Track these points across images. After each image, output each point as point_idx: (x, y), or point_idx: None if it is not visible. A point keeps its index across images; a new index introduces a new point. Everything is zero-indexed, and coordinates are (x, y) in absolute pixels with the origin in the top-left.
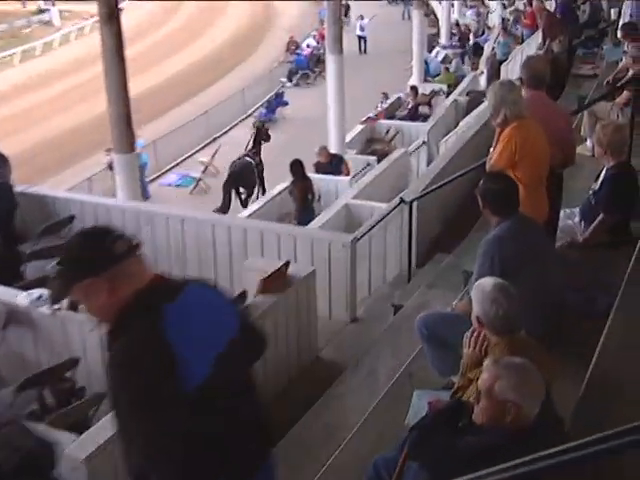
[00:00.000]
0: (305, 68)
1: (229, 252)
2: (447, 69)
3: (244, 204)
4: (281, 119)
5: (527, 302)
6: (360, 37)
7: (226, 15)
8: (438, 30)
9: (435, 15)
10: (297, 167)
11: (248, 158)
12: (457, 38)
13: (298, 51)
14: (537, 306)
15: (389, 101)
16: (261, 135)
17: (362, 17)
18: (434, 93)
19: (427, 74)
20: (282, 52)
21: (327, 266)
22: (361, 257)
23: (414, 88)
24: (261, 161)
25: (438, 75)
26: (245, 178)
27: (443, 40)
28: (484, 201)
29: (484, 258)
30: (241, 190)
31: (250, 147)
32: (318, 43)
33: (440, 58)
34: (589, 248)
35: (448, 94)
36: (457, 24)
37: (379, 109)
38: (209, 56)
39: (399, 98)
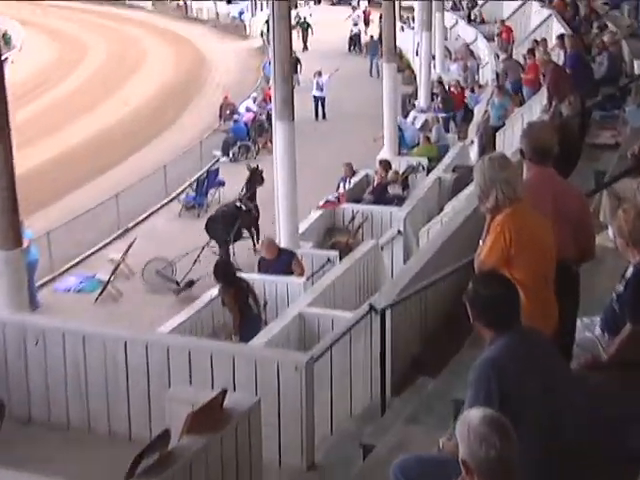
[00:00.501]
0: (245, 138)
1: (147, 378)
2: (427, 138)
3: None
4: (215, 205)
5: (531, 446)
6: (317, 98)
7: (145, 68)
8: (415, 89)
9: (412, 70)
10: (223, 269)
11: (239, 204)
12: (439, 99)
13: (235, 116)
14: (546, 452)
15: (354, 179)
16: (256, 178)
17: (320, 74)
18: (411, 169)
19: (402, 145)
20: (216, 117)
21: (276, 395)
22: (320, 382)
23: (385, 163)
24: (257, 207)
25: (416, 146)
26: (222, 226)
27: (422, 102)
28: (474, 311)
29: (477, 386)
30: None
31: (244, 192)
32: (262, 105)
33: (418, 125)
34: (616, 368)
35: (429, 170)
36: (439, 81)
37: (341, 190)
38: (122, 122)
39: (367, 175)
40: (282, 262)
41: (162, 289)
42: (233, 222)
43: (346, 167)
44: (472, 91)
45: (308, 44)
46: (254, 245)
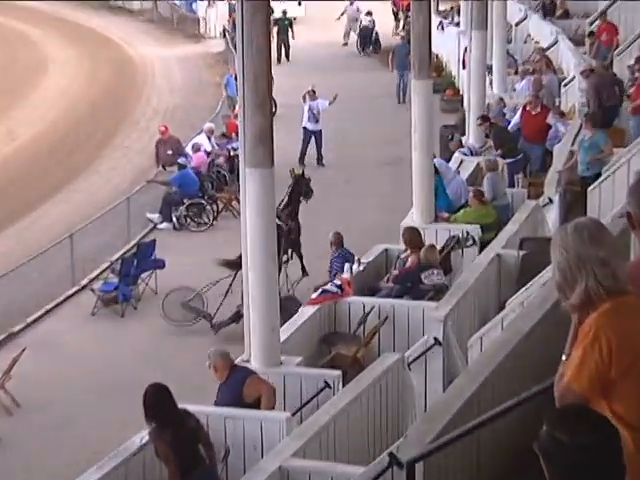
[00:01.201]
0: (196, 193)
1: None
2: (480, 195)
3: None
4: (150, 297)
5: None
6: (309, 133)
7: (43, 84)
8: (462, 118)
9: (456, 89)
10: (154, 397)
11: (277, 221)
12: (496, 134)
13: (182, 160)
14: None
15: (368, 258)
16: (300, 188)
17: (313, 94)
18: (455, 243)
19: (441, 205)
20: (151, 161)
21: None
22: None
23: (413, 234)
24: (299, 226)
25: (463, 207)
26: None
27: (471, 137)
28: (551, 468)
29: None
30: None
31: (284, 204)
32: (223, 143)
33: (466, 173)
34: None
35: (483, 245)
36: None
37: (345, 274)
38: (5, 165)
39: (386, 252)
40: (232, 386)
41: (186, 324)
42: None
43: (334, 237)
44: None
45: (289, 52)
46: (301, 262)
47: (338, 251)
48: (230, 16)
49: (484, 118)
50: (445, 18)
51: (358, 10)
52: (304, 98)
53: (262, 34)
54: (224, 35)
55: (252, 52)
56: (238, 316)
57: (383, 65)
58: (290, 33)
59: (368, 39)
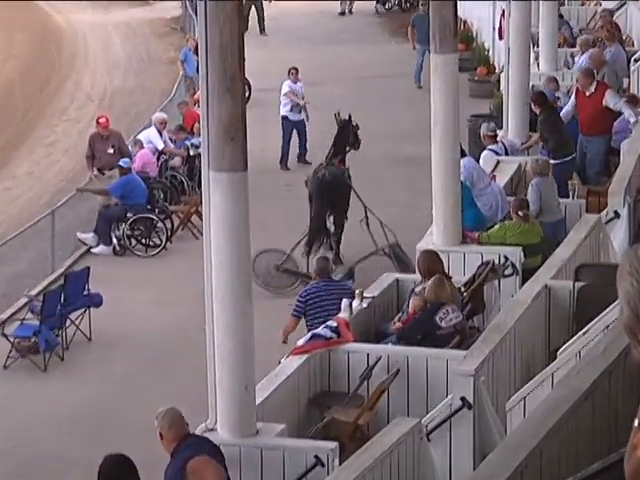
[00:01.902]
0: (143, 206)
1: None
2: (523, 207)
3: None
4: (81, 346)
5: None
6: (291, 124)
7: None
8: (498, 105)
9: (490, 67)
10: (109, 469)
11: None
12: (545, 126)
13: (124, 162)
14: None
15: (371, 294)
16: (347, 136)
17: (295, 72)
18: (489, 271)
19: (468, 219)
20: (82, 162)
21: None
22: None
23: (431, 259)
24: (349, 178)
25: (501, 222)
26: (340, 196)
27: (510, 132)
28: None
29: None
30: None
31: (330, 154)
32: (180, 138)
33: (503, 179)
34: None
35: (526, 275)
36: (551, 87)
37: (343, 313)
38: None
39: (397, 284)
40: (176, 464)
41: (286, 287)
42: (333, 197)
43: (317, 265)
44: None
45: (263, 21)
46: (336, 251)
47: (322, 282)
48: None
49: (538, 97)
50: None
51: None
52: (287, 79)
53: (236, 23)
54: None
55: (219, 17)
56: (352, 273)
57: (397, 37)
58: None
59: None
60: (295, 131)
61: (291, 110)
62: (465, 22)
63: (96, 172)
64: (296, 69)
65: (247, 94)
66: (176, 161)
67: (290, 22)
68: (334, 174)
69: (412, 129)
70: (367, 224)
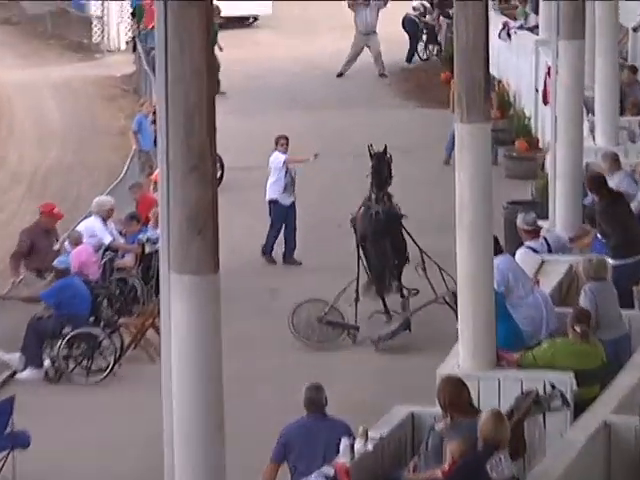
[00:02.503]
0: (85, 317)
1: None
2: (582, 319)
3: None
4: None
5: None
6: (281, 210)
7: None
8: (544, 188)
9: (531, 138)
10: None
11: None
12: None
13: (60, 261)
14: None
15: (379, 433)
16: (383, 167)
17: (285, 143)
18: (529, 402)
19: (504, 340)
20: (3, 262)
21: None
22: None
23: (453, 390)
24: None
25: (549, 339)
26: (398, 235)
27: (558, 222)
28: None
29: None
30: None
31: (373, 189)
32: (130, 229)
33: (550, 284)
34: None
35: (579, 406)
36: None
37: (342, 456)
38: None
39: (411, 417)
40: None
41: (331, 341)
42: (391, 236)
43: (307, 392)
44: None
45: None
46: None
47: (309, 419)
48: (133, 15)
49: (595, 179)
50: (513, 18)
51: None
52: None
53: (199, 44)
54: (134, 48)
55: (184, 74)
56: (408, 324)
57: (411, 100)
58: (216, 43)
59: (426, 35)
60: (283, 221)
61: (284, 190)
62: (500, 82)
63: (23, 274)
64: (286, 138)
65: (219, 174)
66: (127, 260)
67: (277, 82)
68: (389, 211)
69: (432, 216)
70: (424, 269)
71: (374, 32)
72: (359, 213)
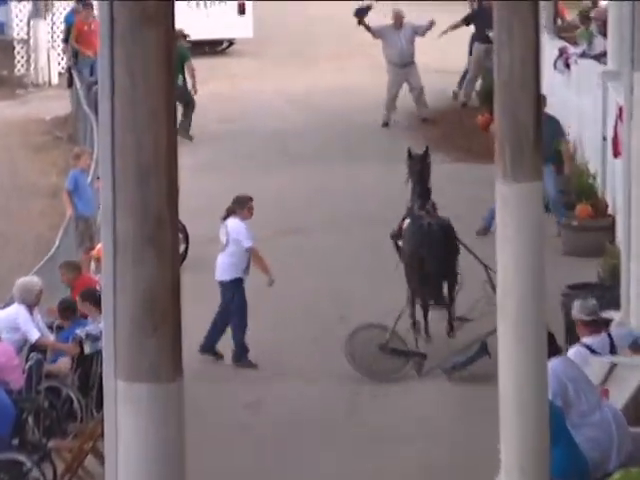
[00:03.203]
0: (6, 444)
1: None
2: None
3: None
4: None
5: None
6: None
7: None
8: (613, 268)
9: (598, 202)
10: None
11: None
12: None
13: None
14: None
15: None
16: (424, 175)
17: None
18: None
19: (563, 463)
20: None
21: None
22: None
23: None
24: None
25: (624, 470)
26: (451, 249)
27: (633, 314)
28: None
29: None
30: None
31: (417, 199)
32: (67, 316)
33: (624, 395)
34: None
35: None
36: None
37: None
38: None
39: None
40: None
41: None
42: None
43: None
44: None
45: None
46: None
47: None
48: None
49: None
50: (573, 43)
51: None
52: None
53: (158, 77)
54: (70, 82)
55: (135, 117)
56: (485, 347)
57: (441, 150)
58: (187, 68)
59: None
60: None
61: (246, 269)
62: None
63: None
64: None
65: (182, 248)
66: (60, 364)
67: (260, 126)
68: (441, 223)
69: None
70: (492, 286)
71: (412, 62)
72: (403, 226)
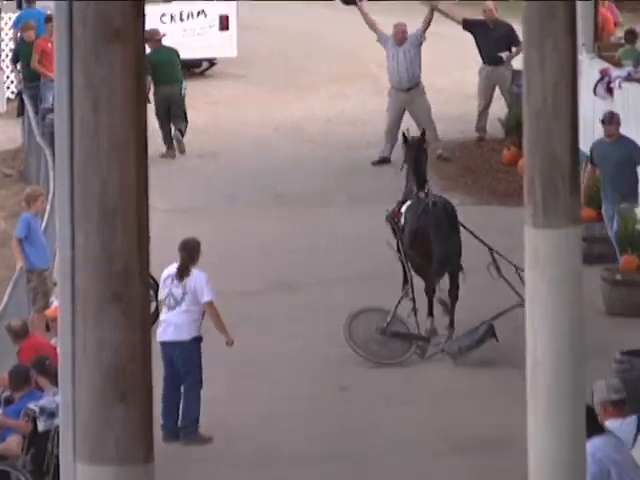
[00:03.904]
0: None
1: None
2: None
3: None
4: None
5: None
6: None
7: None
8: None
9: None
10: None
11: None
12: None
13: None
14: None
15: None
16: (422, 156)
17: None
18: None
19: None
20: None
21: None
22: None
23: None
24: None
25: None
26: (454, 232)
27: None
28: None
29: None
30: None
31: (414, 182)
32: (19, 387)
33: None
34: None
35: None
36: None
37: None
38: None
39: None
40: None
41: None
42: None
43: None
44: None
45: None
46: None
47: None
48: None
49: None
50: (616, 64)
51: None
52: None
53: (125, 105)
54: (21, 110)
55: (99, 152)
56: (493, 330)
57: (460, 190)
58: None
59: None
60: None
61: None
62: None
63: None
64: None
65: (153, 307)
66: (8, 443)
67: (245, 162)
68: (444, 203)
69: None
70: (497, 269)
71: (417, 85)
72: (401, 209)
